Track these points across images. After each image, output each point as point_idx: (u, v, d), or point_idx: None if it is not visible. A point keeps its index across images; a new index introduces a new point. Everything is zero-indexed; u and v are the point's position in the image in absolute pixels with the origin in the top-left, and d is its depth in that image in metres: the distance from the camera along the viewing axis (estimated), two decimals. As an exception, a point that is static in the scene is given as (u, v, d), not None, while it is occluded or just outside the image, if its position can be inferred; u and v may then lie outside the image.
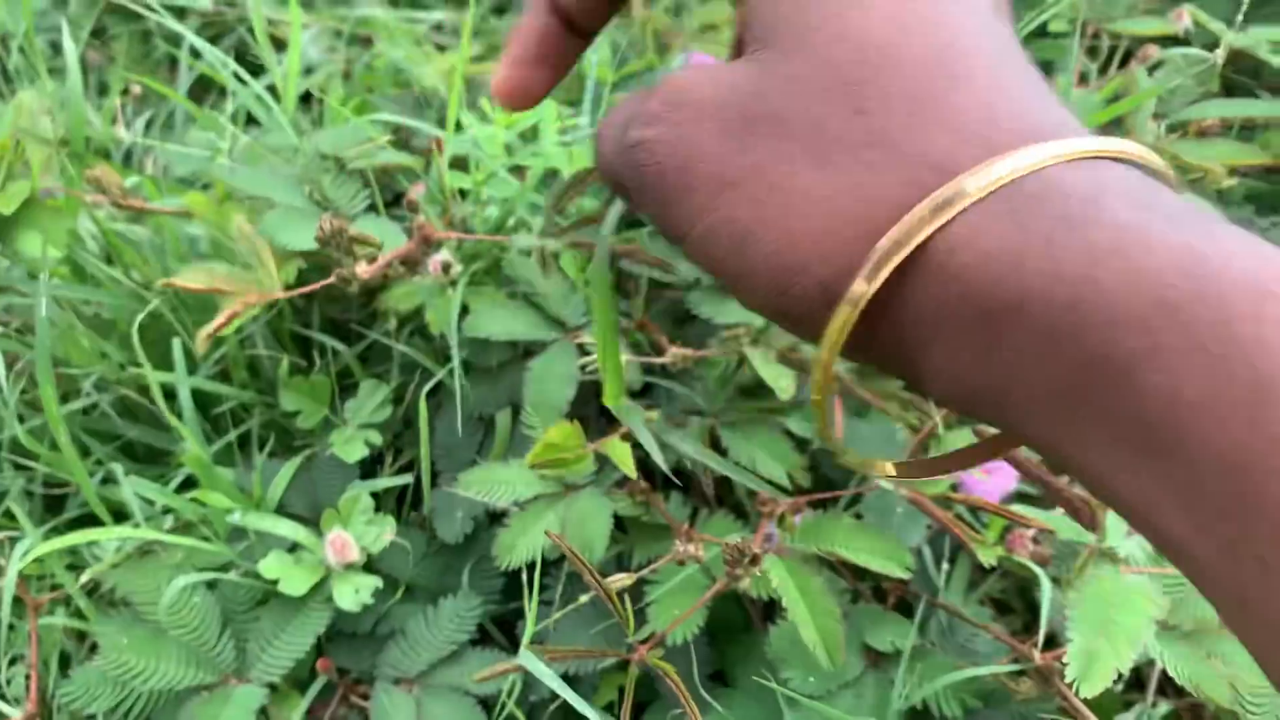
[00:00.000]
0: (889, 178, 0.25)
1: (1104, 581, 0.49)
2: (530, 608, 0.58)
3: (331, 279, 0.56)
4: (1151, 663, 0.64)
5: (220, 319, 0.57)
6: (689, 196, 0.28)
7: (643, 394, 0.72)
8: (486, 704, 0.63)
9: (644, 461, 0.69)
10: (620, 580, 0.53)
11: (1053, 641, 0.59)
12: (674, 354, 0.60)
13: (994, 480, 0.63)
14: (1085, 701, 0.64)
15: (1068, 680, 0.45)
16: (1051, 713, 0.61)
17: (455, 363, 0.65)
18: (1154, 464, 0.21)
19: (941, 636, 0.63)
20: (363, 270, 0.55)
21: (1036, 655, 0.56)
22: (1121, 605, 0.48)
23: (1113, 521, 0.52)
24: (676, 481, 0.64)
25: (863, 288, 0.24)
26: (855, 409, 0.68)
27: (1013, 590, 0.72)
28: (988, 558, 0.54)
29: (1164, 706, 0.65)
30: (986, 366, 0.24)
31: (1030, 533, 0.59)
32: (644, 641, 0.52)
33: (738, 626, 0.68)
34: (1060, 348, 0.22)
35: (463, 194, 0.71)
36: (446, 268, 0.62)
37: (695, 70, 0.29)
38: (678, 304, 0.71)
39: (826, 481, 0.66)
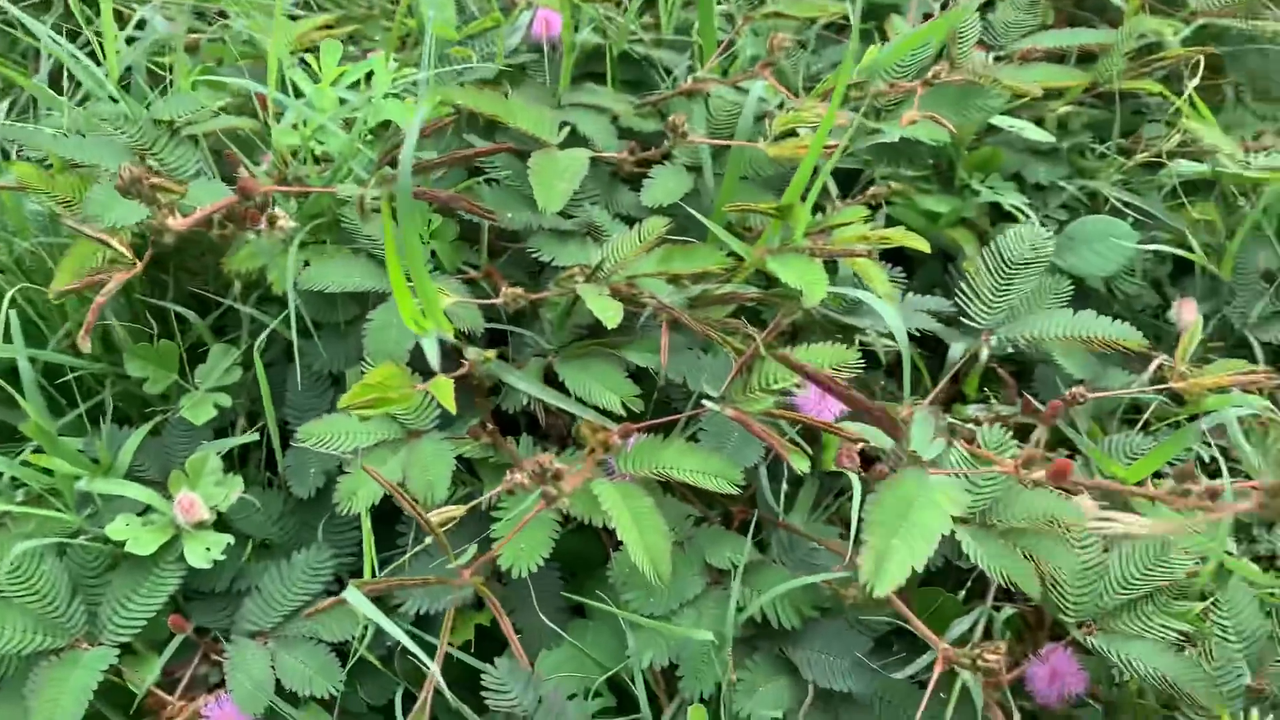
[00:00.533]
0: None
1: (906, 483, 0.51)
2: (368, 549, 0.59)
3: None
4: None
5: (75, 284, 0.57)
6: None
7: (494, 343, 0.73)
8: (341, 652, 0.64)
9: (499, 408, 0.70)
10: (446, 512, 0.54)
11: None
12: (507, 293, 0.61)
13: (828, 401, 0.65)
14: (929, 609, 0.67)
15: (861, 581, 0.47)
16: (889, 618, 0.63)
17: (291, 316, 0.65)
18: None
19: (784, 553, 0.65)
20: (176, 223, 0.56)
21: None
22: (921, 505, 0.50)
23: (919, 430, 0.54)
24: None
25: None
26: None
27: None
28: (800, 466, 0.56)
29: (1008, 610, 0.67)
30: None
31: (856, 446, 0.61)
32: (467, 567, 0.53)
33: (596, 562, 0.69)
34: None
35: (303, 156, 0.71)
36: (273, 221, 0.62)
37: None
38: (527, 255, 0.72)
39: (670, 411, 0.68)
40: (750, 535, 0.63)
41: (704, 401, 0.60)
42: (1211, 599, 0.60)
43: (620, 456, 0.60)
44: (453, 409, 0.54)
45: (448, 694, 0.54)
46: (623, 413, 0.62)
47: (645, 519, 0.57)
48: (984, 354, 0.76)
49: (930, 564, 0.65)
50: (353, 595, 0.51)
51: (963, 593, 0.67)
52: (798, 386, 0.63)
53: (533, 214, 0.69)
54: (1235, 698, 0.58)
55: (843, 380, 0.56)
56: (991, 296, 0.65)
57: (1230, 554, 0.65)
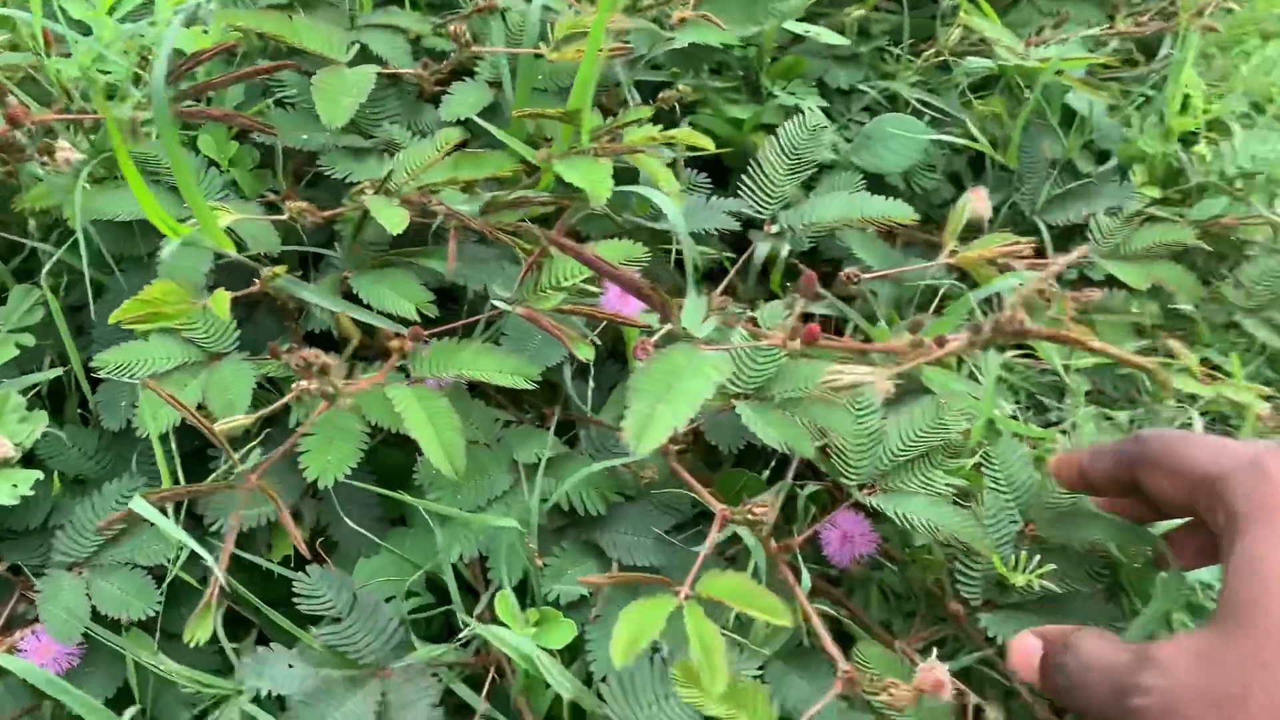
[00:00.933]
0: None
1: (675, 356, 0.53)
2: (163, 468, 0.59)
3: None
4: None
5: None
6: None
7: (301, 269, 0.73)
8: (159, 576, 0.64)
9: (311, 333, 0.71)
10: (232, 422, 0.55)
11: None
12: (291, 207, 0.62)
13: (629, 301, 0.67)
14: (734, 489, 0.70)
15: (625, 442, 0.49)
16: (693, 501, 0.66)
17: (82, 248, 0.65)
18: None
19: (592, 448, 0.68)
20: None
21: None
22: (687, 375, 0.52)
23: (690, 311, 0.57)
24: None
25: None
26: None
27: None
28: (584, 354, 0.58)
29: (812, 487, 0.71)
30: None
31: (653, 338, 0.63)
32: (253, 472, 0.54)
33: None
34: None
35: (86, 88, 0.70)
36: (52, 151, 0.62)
37: (1173, 647, 0.43)
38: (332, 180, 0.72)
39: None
40: (557, 433, 0.65)
41: (494, 302, 0.62)
42: (983, 454, 0.65)
43: (416, 360, 0.62)
44: (226, 317, 0.55)
45: (234, 587, 0.55)
46: (419, 320, 0.63)
47: (440, 418, 0.59)
48: (784, 250, 0.79)
49: (732, 448, 0.69)
50: (139, 504, 0.52)
51: (766, 473, 0.71)
52: (593, 285, 0.65)
53: (330, 135, 0.70)
54: (1006, 544, 0.62)
55: (629, 270, 0.58)
56: (773, 185, 0.67)
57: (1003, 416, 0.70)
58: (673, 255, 0.80)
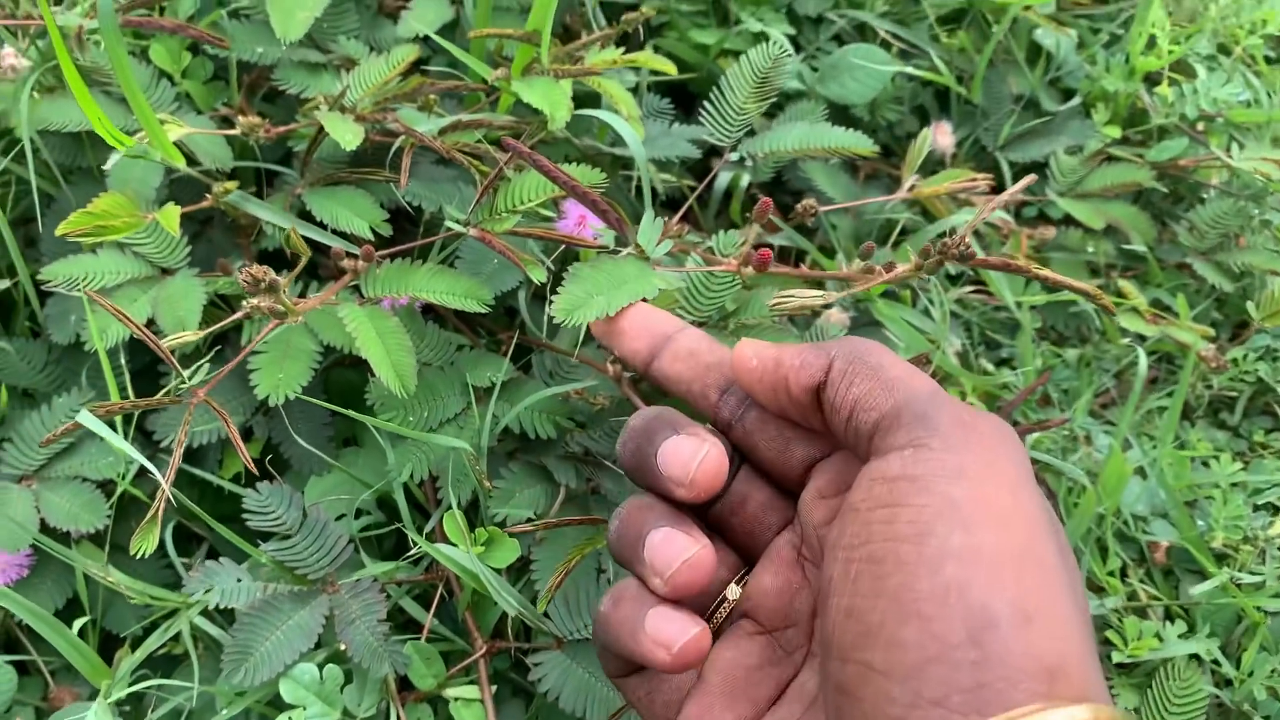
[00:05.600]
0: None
1: (626, 265, 0.53)
2: (110, 382, 0.59)
3: None
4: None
5: None
6: None
7: (254, 185, 0.72)
8: (109, 491, 0.64)
9: (265, 250, 0.70)
10: (181, 338, 0.54)
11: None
12: (243, 122, 0.61)
13: (585, 225, 0.67)
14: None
15: (556, 320, 0.49)
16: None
17: (28, 156, 0.63)
18: None
19: (545, 374, 0.68)
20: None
21: (609, 368, 0.62)
22: (633, 280, 0.52)
23: (644, 230, 0.57)
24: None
25: None
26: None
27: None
28: (537, 276, 0.58)
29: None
30: None
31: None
32: (201, 387, 0.54)
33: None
34: None
35: None
36: (-6, 55, 0.60)
37: None
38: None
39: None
40: (512, 358, 0.66)
41: (449, 224, 0.61)
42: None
43: (369, 280, 0.61)
44: (176, 232, 0.54)
45: (184, 503, 0.56)
46: (372, 239, 0.63)
47: (390, 337, 0.59)
48: (744, 179, 0.79)
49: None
50: (86, 418, 0.51)
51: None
52: (549, 209, 0.64)
53: (285, 49, 0.68)
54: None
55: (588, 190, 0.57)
56: (736, 114, 0.67)
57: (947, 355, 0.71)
58: (634, 183, 0.80)
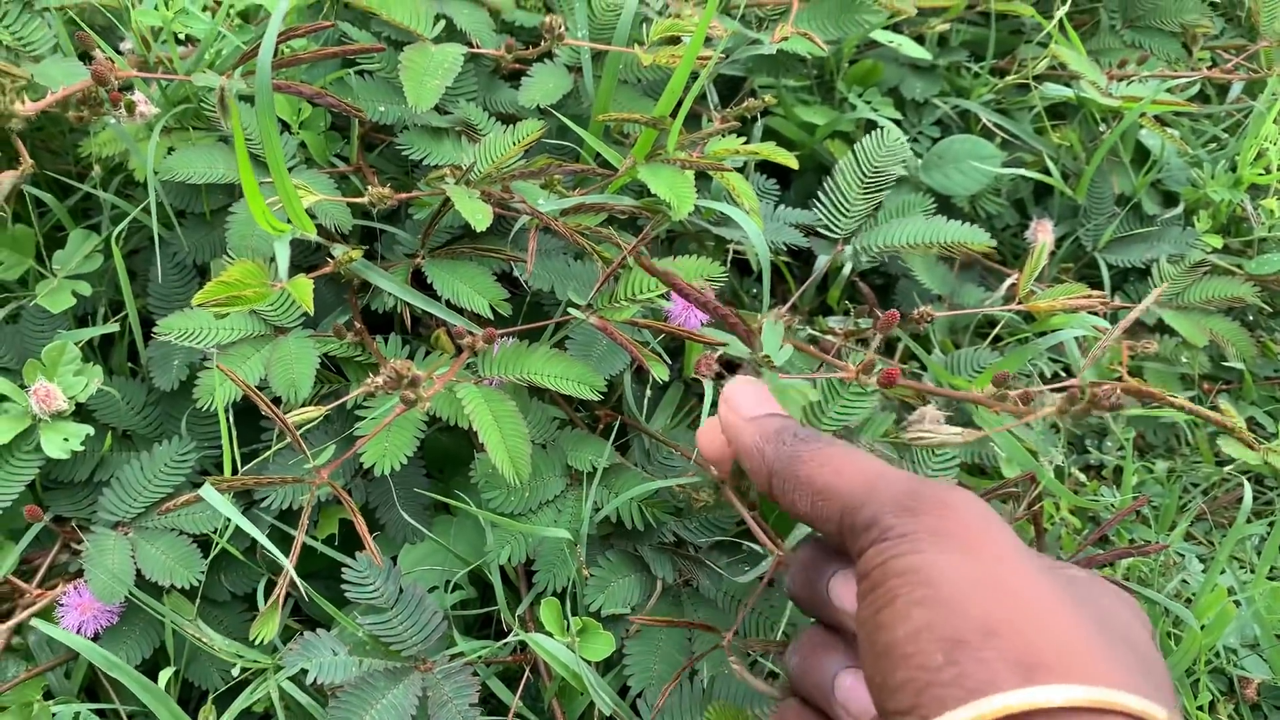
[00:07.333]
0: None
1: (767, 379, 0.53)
2: (226, 447, 0.59)
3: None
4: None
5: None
6: None
7: (367, 239, 0.72)
8: (204, 543, 0.64)
9: (369, 307, 0.70)
10: (303, 414, 0.54)
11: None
12: (373, 193, 0.61)
13: (693, 313, 0.67)
14: (778, 513, 0.70)
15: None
16: (735, 523, 0.66)
17: (152, 205, 0.63)
18: None
19: (643, 458, 0.68)
20: (24, 108, 0.53)
21: (712, 470, 0.61)
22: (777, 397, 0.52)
23: (769, 336, 0.56)
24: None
25: None
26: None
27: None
28: (659, 373, 0.58)
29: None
30: None
31: (715, 354, 0.63)
32: (325, 467, 0.54)
33: (465, 460, 0.70)
34: None
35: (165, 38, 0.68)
36: (131, 107, 0.60)
37: None
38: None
39: (543, 318, 0.69)
40: (612, 440, 0.65)
41: (569, 310, 0.61)
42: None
43: (485, 361, 0.61)
44: (310, 308, 0.54)
45: (301, 585, 0.56)
46: (490, 316, 0.63)
47: (507, 421, 0.59)
48: (846, 267, 0.78)
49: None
50: (209, 494, 0.51)
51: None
52: (665, 299, 0.64)
53: (406, 108, 0.68)
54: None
55: (706, 290, 0.57)
56: (849, 204, 0.66)
57: (1037, 457, 0.70)
58: (729, 255, 0.79)
